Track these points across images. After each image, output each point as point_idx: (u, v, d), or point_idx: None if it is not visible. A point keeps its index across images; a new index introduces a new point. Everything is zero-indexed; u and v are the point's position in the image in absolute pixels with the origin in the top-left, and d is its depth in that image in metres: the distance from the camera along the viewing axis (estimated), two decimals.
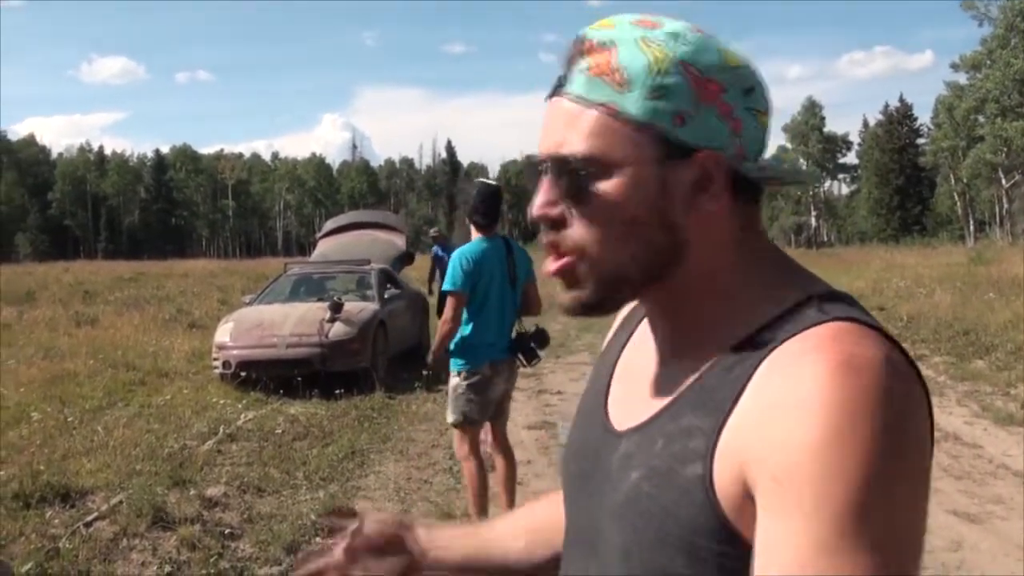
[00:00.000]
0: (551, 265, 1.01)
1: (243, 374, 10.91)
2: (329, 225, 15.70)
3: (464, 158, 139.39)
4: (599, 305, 1.01)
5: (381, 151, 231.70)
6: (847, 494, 0.80)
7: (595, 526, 1.03)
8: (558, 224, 0.99)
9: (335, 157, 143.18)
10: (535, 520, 1.33)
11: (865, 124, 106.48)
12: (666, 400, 0.98)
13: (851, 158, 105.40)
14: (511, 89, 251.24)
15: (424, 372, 11.46)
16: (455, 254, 5.83)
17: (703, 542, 0.89)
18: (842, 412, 0.81)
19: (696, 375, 0.96)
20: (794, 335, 0.90)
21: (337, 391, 10.25)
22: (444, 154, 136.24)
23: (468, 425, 5.85)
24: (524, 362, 5.98)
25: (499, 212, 5.93)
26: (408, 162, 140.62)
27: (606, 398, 1.11)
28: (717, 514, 0.88)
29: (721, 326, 0.97)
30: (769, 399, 0.87)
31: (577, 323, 19.77)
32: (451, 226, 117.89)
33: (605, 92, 0.95)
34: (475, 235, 5.85)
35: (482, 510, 5.84)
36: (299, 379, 10.58)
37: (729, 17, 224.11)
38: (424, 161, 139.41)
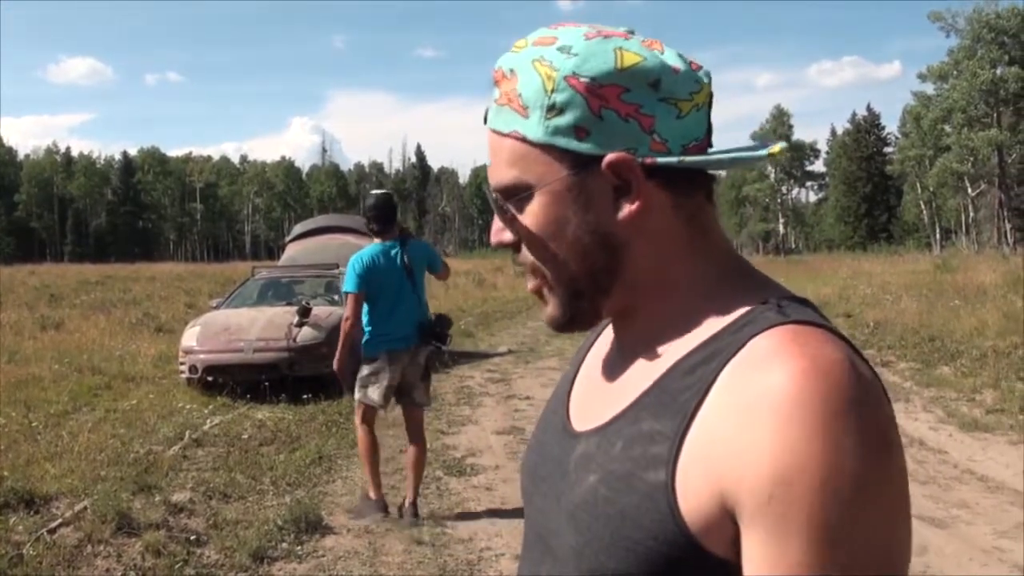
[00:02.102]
0: (528, 285, 1.05)
1: (210, 379, 10.85)
2: (298, 229, 15.62)
3: (434, 162, 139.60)
4: (570, 321, 1.04)
5: (351, 155, 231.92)
6: (837, 505, 0.80)
7: (550, 526, 1.02)
8: (516, 248, 1.02)
9: (304, 160, 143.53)
10: None
11: (833, 132, 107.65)
12: (626, 402, 0.97)
13: (819, 166, 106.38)
14: (482, 94, 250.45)
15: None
16: (353, 261, 6.48)
17: (659, 548, 0.88)
18: (816, 418, 0.81)
19: (656, 377, 0.96)
20: (755, 336, 0.89)
21: (305, 396, 10.20)
22: (414, 158, 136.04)
23: (367, 405, 6.53)
24: (437, 345, 6.77)
25: (392, 217, 6.64)
26: (378, 166, 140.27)
27: (568, 399, 1.11)
28: (677, 522, 0.87)
29: (679, 327, 0.97)
30: (737, 405, 0.86)
31: (547, 329, 19.65)
32: (421, 230, 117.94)
33: (512, 121, 0.97)
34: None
35: (374, 478, 6.52)
36: (267, 384, 10.52)
37: (699, 25, 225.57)
38: (394, 165, 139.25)
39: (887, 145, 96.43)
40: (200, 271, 45.16)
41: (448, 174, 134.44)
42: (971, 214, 73.09)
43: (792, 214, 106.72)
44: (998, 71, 65.44)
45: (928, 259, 41.98)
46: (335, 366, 6.63)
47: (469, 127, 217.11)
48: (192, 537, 5.92)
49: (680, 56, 0.98)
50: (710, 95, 0.99)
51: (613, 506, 0.92)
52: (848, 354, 0.87)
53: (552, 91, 0.95)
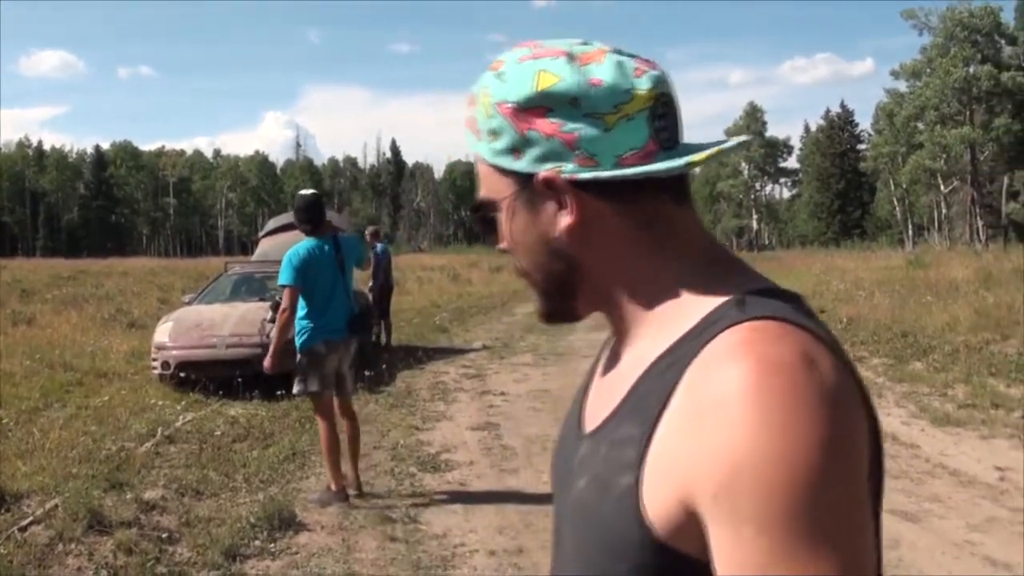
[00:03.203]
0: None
1: (182, 375, 10.79)
2: (271, 224, 15.51)
3: (409, 158, 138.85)
4: (550, 315, 1.11)
5: (326, 150, 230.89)
6: (784, 499, 0.81)
7: (560, 525, 1.09)
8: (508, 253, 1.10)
9: (278, 155, 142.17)
10: None
11: (807, 129, 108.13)
12: (613, 405, 1.01)
13: (792, 162, 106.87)
14: (456, 89, 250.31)
15: (366, 373, 11.43)
16: (290, 254, 6.70)
17: (636, 551, 0.91)
18: (760, 414, 0.83)
19: (634, 381, 0.99)
20: (715, 337, 0.91)
21: (278, 392, 10.10)
22: (388, 153, 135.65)
23: (312, 395, 6.80)
24: (369, 337, 7.23)
25: (322, 215, 6.96)
26: (352, 161, 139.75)
27: (584, 400, 1.15)
28: (644, 525, 0.90)
29: (653, 329, 1.01)
30: (693, 407, 0.88)
31: (521, 324, 19.83)
32: (396, 225, 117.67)
33: (473, 143, 1.06)
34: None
35: (334, 465, 6.68)
36: (239, 380, 10.46)
37: (672, 23, 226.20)
38: (368, 160, 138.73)
39: (860, 142, 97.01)
40: (173, 266, 44.86)
41: (423, 169, 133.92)
42: (943, 211, 73.63)
43: (766, 210, 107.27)
44: (971, 69, 65.91)
45: (901, 255, 42.29)
46: (268, 362, 6.94)
47: (444, 122, 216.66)
48: (164, 535, 5.88)
49: (617, 64, 1.00)
50: (654, 99, 1.00)
51: (597, 511, 0.96)
52: (803, 349, 0.88)
53: (488, 117, 1.03)
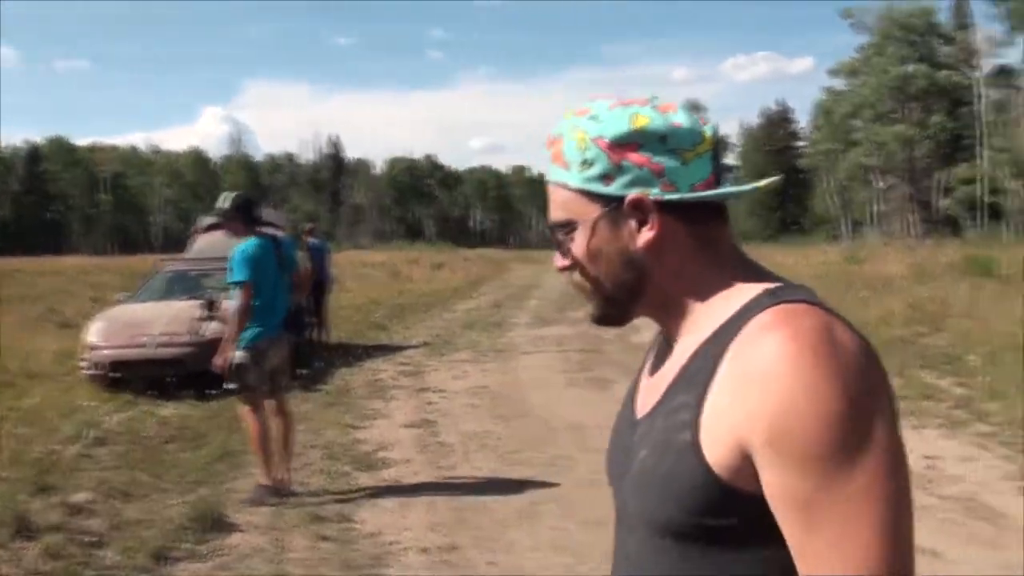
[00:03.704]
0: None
1: (114, 375, 10.62)
2: (206, 221, 15.34)
3: (349, 153, 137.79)
4: (603, 318, 1.36)
5: (265, 146, 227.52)
6: (821, 440, 1.05)
7: (625, 501, 1.31)
8: (571, 269, 1.32)
9: (216, 151, 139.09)
10: None
11: (745, 126, 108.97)
12: (665, 387, 1.26)
13: (732, 159, 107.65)
14: (398, 85, 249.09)
15: (301, 371, 11.34)
16: (237, 251, 6.78)
17: (696, 492, 1.14)
18: (798, 376, 1.07)
19: (684, 363, 1.24)
20: (752, 319, 1.16)
21: (211, 391, 10.01)
22: (328, 149, 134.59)
23: (247, 391, 6.79)
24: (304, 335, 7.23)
25: (255, 215, 7.08)
26: (291, 157, 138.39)
27: (635, 395, 1.39)
28: (707, 471, 1.13)
29: (700, 323, 1.25)
30: (740, 373, 1.12)
31: (462, 321, 19.84)
32: (335, 222, 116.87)
33: (559, 173, 1.29)
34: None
35: (267, 465, 6.73)
36: (172, 379, 10.33)
37: (617, 20, 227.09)
38: (308, 156, 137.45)
39: (798, 139, 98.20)
40: (108, 264, 44.19)
41: (364, 165, 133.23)
42: (880, 207, 74.72)
43: None
44: (907, 68, 66.94)
45: (838, 251, 42.86)
46: (219, 360, 6.77)
47: (385, 118, 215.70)
48: (92, 539, 5.80)
49: (689, 114, 1.28)
50: (715, 143, 1.28)
51: (658, 468, 1.20)
52: (826, 322, 1.13)
53: (584, 150, 1.26)
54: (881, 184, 71.93)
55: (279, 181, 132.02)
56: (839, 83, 73.97)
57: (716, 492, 1.13)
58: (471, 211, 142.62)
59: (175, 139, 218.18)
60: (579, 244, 1.29)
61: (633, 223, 1.25)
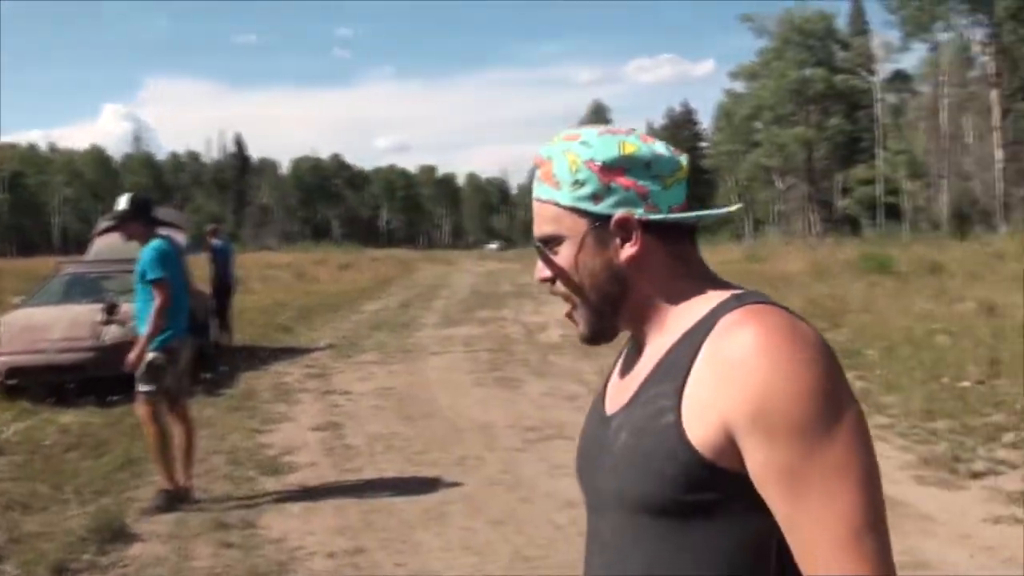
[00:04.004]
0: (565, 310, 1.46)
1: (11, 382, 10.35)
2: (105, 222, 15.03)
3: (255, 153, 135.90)
4: (596, 336, 1.45)
5: (168, 144, 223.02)
6: (800, 414, 1.17)
7: (598, 489, 1.40)
8: (553, 281, 1.43)
9: (117, 150, 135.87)
10: None
11: (650, 128, 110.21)
12: (641, 381, 1.36)
13: None
14: (304, 84, 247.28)
15: (204, 375, 11.21)
16: (151, 249, 6.62)
17: (678, 469, 1.24)
18: (772, 361, 1.19)
19: (659, 360, 1.35)
20: (723, 317, 1.28)
21: (112, 397, 9.83)
22: (233, 148, 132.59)
23: (161, 393, 6.63)
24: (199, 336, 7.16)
25: (153, 215, 6.93)
26: (195, 156, 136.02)
27: (604, 399, 1.48)
28: (689, 448, 1.23)
29: (674, 325, 1.36)
30: (718, 362, 1.24)
31: (369, 322, 19.74)
32: (240, 223, 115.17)
33: (548, 192, 1.40)
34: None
35: (168, 469, 6.64)
36: (72, 386, 10.11)
37: (523, 20, 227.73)
38: (212, 155, 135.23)
39: (701, 140, 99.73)
40: (5, 266, 42.78)
41: (269, 164, 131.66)
42: (780, 206, 76.27)
43: None
44: (805, 72, 68.44)
45: (740, 249, 43.65)
46: (135, 356, 6.59)
47: (291, 117, 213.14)
48: None
49: (666, 146, 1.42)
50: (688, 172, 1.43)
51: (639, 449, 1.30)
52: (788, 317, 1.26)
53: (576, 171, 1.37)
54: (781, 184, 73.43)
55: (182, 180, 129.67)
56: (740, 86, 75.39)
57: (697, 468, 1.23)
58: (379, 211, 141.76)
59: (75, 137, 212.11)
60: (566, 257, 1.39)
61: (618, 240, 1.37)
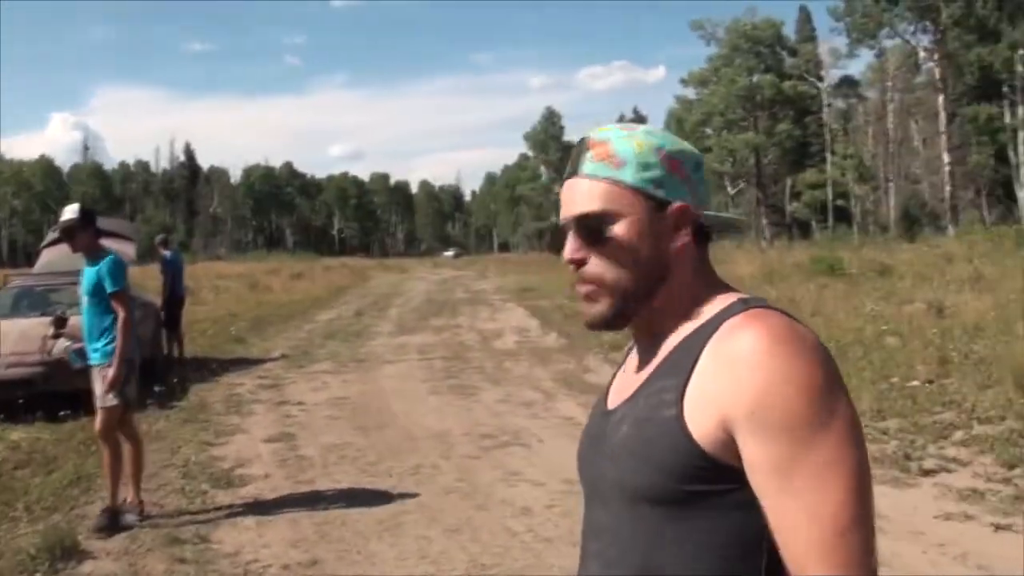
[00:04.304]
0: (581, 290, 1.45)
1: None
2: (53, 234, 14.82)
3: (204, 162, 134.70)
4: (615, 318, 1.44)
5: (117, 154, 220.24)
6: (798, 410, 1.22)
7: (600, 476, 1.43)
8: (580, 263, 1.43)
9: (65, 160, 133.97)
10: None
11: None
12: (646, 376, 1.41)
13: None
14: (255, 92, 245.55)
15: (156, 388, 11.09)
16: (111, 261, 6.48)
17: (678, 459, 1.28)
18: (774, 360, 1.24)
19: (665, 356, 1.40)
20: (728, 319, 1.33)
21: (63, 412, 9.67)
22: (183, 157, 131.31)
23: (118, 407, 6.48)
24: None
25: (98, 227, 6.80)
26: (144, 165, 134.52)
27: (606, 398, 1.53)
28: (689, 440, 1.28)
29: (684, 323, 1.40)
30: (722, 360, 1.29)
31: (322, 331, 19.63)
32: (191, 232, 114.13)
33: (607, 170, 1.41)
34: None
35: (117, 486, 6.53)
36: (21, 401, 9.94)
37: (474, 26, 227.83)
38: (161, 164, 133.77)
39: None
40: None
41: (219, 174, 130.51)
42: (732, 211, 76.89)
43: None
44: (754, 78, 69.10)
45: None
46: (116, 372, 6.35)
47: (241, 125, 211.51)
48: None
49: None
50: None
51: (640, 438, 1.34)
52: (788, 321, 1.31)
53: (642, 154, 1.41)
54: (732, 189, 74.03)
55: (132, 191, 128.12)
56: (691, 92, 75.89)
57: (696, 460, 1.27)
58: (332, 219, 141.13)
59: (23, 147, 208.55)
60: (621, 234, 1.40)
61: (670, 228, 1.41)
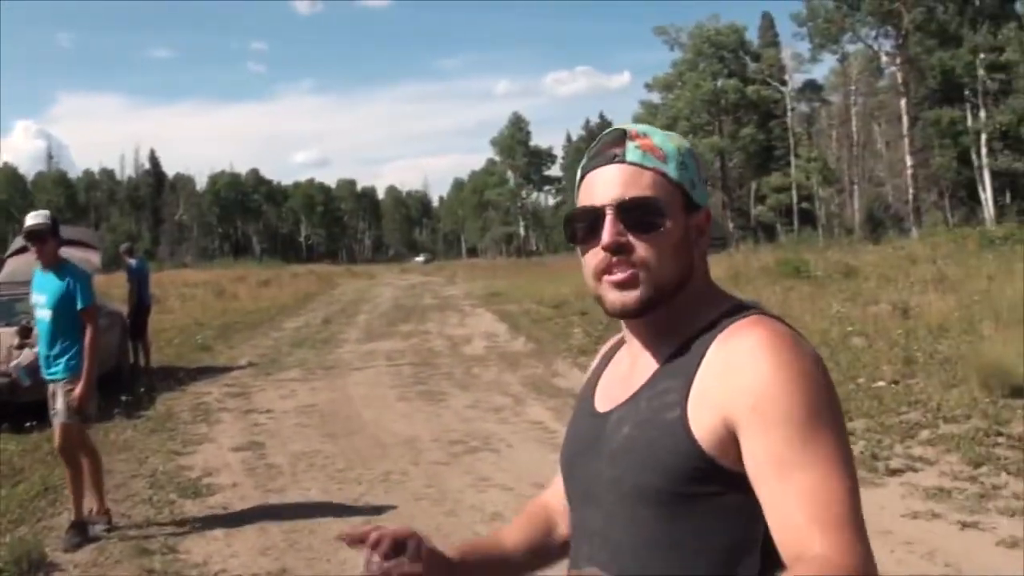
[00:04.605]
0: (618, 276, 1.41)
1: None
2: (17, 243, 14.63)
3: (169, 169, 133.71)
4: (648, 303, 1.41)
5: (81, 162, 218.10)
6: (799, 406, 1.25)
7: (592, 478, 1.44)
8: (625, 249, 1.40)
9: (29, 168, 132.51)
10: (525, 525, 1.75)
11: (568, 139, 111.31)
12: (645, 378, 1.43)
13: (556, 171, 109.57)
14: (219, 98, 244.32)
15: (123, 398, 10.99)
16: (83, 274, 6.41)
17: (680, 461, 1.31)
18: (777, 359, 1.28)
19: (666, 358, 1.42)
20: (729, 325, 1.37)
21: (28, 423, 9.55)
22: (147, 164, 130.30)
23: (82, 422, 6.39)
24: None
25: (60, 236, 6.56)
26: (109, 173, 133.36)
27: (593, 400, 1.55)
28: (692, 442, 1.30)
29: (686, 326, 1.42)
30: (724, 361, 1.32)
31: (290, 339, 19.53)
32: (157, 240, 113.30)
33: (654, 161, 1.42)
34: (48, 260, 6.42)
35: (81, 499, 6.40)
36: None
37: (440, 31, 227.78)
38: (127, 172, 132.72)
39: None
40: None
41: (184, 181, 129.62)
42: None
43: (532, 218, 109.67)
44: (718, 83, 69.58)
45: None
46: (85, 390, 6.22)
47: (206, 132, 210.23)
48: None
49: None
50: None
51: (642, 439, 1.36)
52: (785, 326, 1.36)
53: (682, 154, 1.44)
54: None
55: (97, 199, 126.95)
56: (656, 97, 76.29)
57: (696, 461, 1.30)
58: (299, 226, 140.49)
59: None
60: (667, 227, 1.40)
61: (696, 231, 1.45)
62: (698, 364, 1.35)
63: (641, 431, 1.36)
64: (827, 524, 1.20)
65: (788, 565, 1.20)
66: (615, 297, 1.41)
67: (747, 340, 1.32)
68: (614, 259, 1.40)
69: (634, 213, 1.40)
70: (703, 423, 1.30)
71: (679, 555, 1.32)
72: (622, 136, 1.45)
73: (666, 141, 1.44)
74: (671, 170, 1.42)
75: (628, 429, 1.39)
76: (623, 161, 1.42)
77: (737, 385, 1.28)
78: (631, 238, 1.39)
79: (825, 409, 1.27)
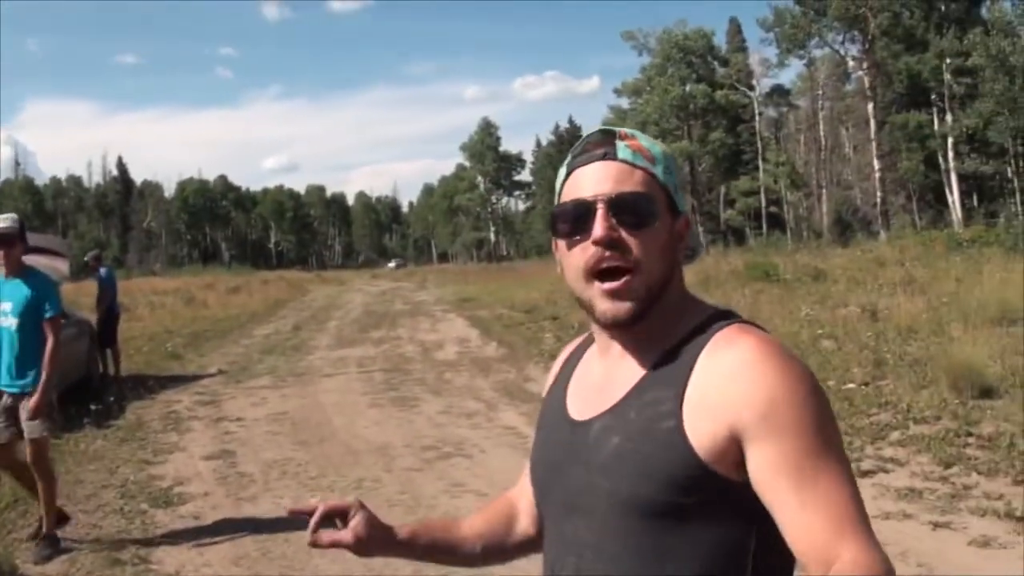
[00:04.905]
0: (611, 284, 1.38)
1: None
2: None
3: (138, 176, 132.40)
4: (640, 314, 1.39)
5: (48, 169, 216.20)
6: (807, 415, 1.26)
7: (576, 489, 1.42)
8: (618, 244, 1.38)
9: None
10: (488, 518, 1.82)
11: (538, 143, 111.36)
12: (629, 387, 1.40)
13: (526, 176, 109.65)
14: (187, 104, 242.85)
15: (92, 407, 10.89)
16: (54, 282, 6.38)
17: (678, 472, 1.30)
18: (778, 367, 1.28)
19: (651, 365, 1.39)
20: (717, 332, 1.36)
21: None
22: (115, 171, 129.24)
23: (48, 436, 6.29)
24: None
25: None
26: (76, 180, 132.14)
27: (565, 407, 1.52)
28: (690, 453, 1.29)
29: (666, 333, 1.40)
30: (720, 371, 1.31)
31: (260, 346, 19.43)
32: (125, 248, 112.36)
33: (643, 162, 1.41)
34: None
35: (52, 511, 6.27)
36: None
37: (409, 36, 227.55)
38: (94, 179, 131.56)
39: None
40: None
41: (153, 188, 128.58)
42: None
43: (502, 222, 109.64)
44: (687, 88, 69.87)
45: None
46: (40, 401, 6.04)
47: (174, 138, 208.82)
48: None
49: None
50: None
51: (638, 452, 1.33)
52: (768, 334, 1.36)
53: (667, 158, 1.45)
54: None
55: (65, 206, 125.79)
56: (625, 102, 76.51)
57: (694, 471, 1.29)
58: (268, 232, 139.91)
59: None
60: (657, 225, 1.40)
61: (676, 237, 1.44)
62: (688, 372, 1.34)
63: (635, 442, 1.35)
64: (848, 528, 1.21)
65: (811, 570, 1.21)
66: (607, 307, 1.39)
67: (739, 348, 1.31)
68: (606, 254, 1.37)
69: (626, 209, 1.38)
70: (701, 432, 1.29)
71: (676, 564, 1.31)
72: (611, 135, 1.45)
73: (653, 144, 1.45)
74: (659, 172, 1.42)
75: (619, 439, 1.37)
76: (614, 158, 1.41)
77: (740, 393, 1.28)
78: (623, 233, 1.37)
79: (829, 417, 1.29)
